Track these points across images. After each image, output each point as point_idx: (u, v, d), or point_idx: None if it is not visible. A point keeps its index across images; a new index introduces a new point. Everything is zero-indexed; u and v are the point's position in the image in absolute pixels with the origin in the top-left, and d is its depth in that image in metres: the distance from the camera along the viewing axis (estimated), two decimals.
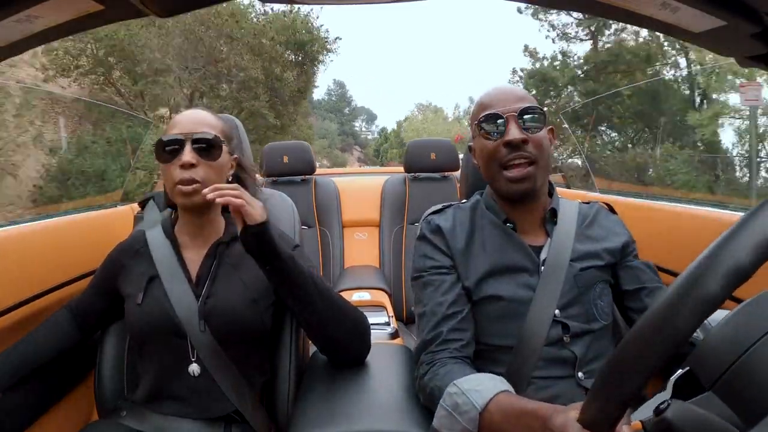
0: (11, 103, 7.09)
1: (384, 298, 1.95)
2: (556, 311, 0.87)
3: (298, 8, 10.39)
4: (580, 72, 14.16)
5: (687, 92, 9.31)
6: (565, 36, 14.61)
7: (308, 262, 0.99)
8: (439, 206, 1.04)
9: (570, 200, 1.01)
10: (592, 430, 0.48)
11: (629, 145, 11.62)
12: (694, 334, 0.39)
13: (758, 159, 7.34)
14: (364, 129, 59.76)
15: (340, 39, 11.50)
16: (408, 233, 2.42)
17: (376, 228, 2.52)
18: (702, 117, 8.52)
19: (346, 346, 0.98)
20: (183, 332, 0.92)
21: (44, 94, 7.70)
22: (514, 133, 0.89)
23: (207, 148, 0.94)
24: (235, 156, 1.02)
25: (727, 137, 8.19)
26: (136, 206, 1.53)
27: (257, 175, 1.13)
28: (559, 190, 1.02)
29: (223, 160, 0.97)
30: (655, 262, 0.98)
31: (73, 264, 1.26)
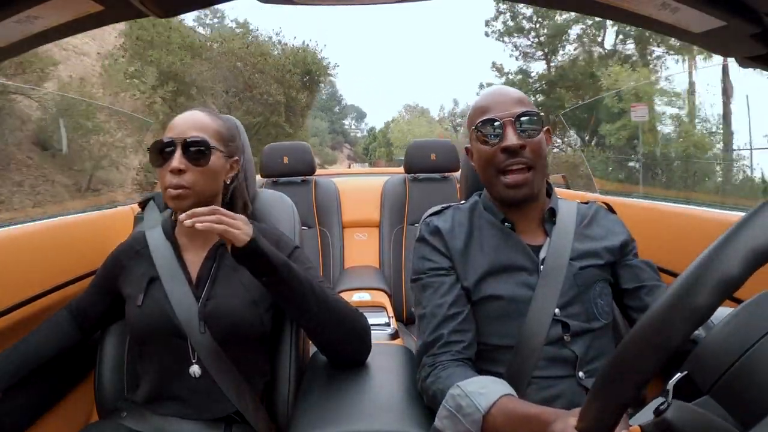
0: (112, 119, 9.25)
1: (384, 299, 1.95)
2: (556, 310, 0.87)
3: (309, 45, 14.38)
4: (537, 86, 17.76)
5: (613, 109, 12.20)
6: (525, 55, 17.63)
7: (308, 263, 0.99)
8: (438, 207, 1.04)
9: (569, 200, 1.01)
10: None
11: (569, 148, 15.36)
12: (696, 331, 0.39)
13: (643, 159, 11.02)
14: (353, 127, 60.88)
15: (338, 65, 15.27)
16: (408, 234, 2.42)
17: (376, 228, 2.52)
18: (611, 128, 12.14)
19: (345, 348, 0.98)
20: (183, 334, 0.92)
21: (118, 113, 9.97)
22: (511, 138, 0.88)
23: (197, 153, 0.93)
24: (236, 158, 1.02)
25: (626, 143, 12.05)
26: (136, 207, 1.53)
27: (257, 176, 1.13)
28: (558, 190, 1.02)
29: (216, 164, 0.95)
30: (654, 262, 0.98)
31: (74, 264, 1.26)
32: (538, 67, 18.14)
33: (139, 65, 11.26)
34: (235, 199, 1.05)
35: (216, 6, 0.58)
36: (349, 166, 25.07)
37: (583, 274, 0.90)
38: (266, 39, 14.52)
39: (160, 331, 0.93)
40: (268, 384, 1.03)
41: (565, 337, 0.87)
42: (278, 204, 1.18)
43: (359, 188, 2.70)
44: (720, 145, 11.61)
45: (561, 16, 16.63)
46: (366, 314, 1.00)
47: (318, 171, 2.70)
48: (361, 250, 2.51)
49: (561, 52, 17.46)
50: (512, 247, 0.93)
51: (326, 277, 2.35)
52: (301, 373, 1.05)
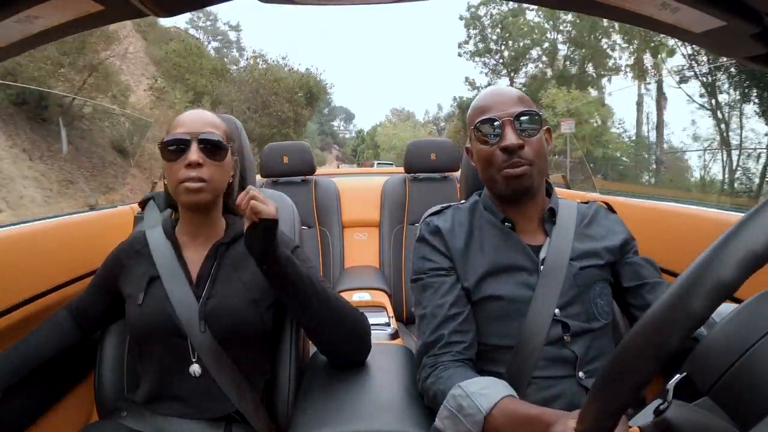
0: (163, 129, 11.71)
1: (384, 299, 1.95)
2: (556, 310, 0.87)
3: (311, 70, 18.48)
4: None
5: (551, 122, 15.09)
6: (494, 72, 21.68)
7: (308, 262, 0.99)
8: (438, 207, 1.04)
9: (569, 200, 1.00)
10: None
11: None
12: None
13: (572, 162, 12.78)
14: (342, 128, 61.85)
15: (334, 85, 19.38)
16: (408, 234, 2.42)
17: (376, 228, 2.52)
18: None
19: (345, 348, 0.98)
20: (183, 333, 0.92)
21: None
22: (510, 138, 0.88)
23: (213, 148, 0.94)
24: (236, 157, 1.03)
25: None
26: (136, 206, 1.53)
27: (257, 176, 1.14)
28: (558, 190, 1.02)
29: (228, 161, 0.97)
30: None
31: (73, 264, 1.26)
32: (504, 83, 21.98)
33: (177, 86, 14.39)
34: (233, 197, 1.05)
35: (214, 6, 0.58)
36: (338, 167, 25.54)
37: (583, 274, 0.90)
38: (276, 62, 18.64)
39: (161, 330, 0.93)
40: (268, 384, 1.03)
41: (565, 338, 0.87)
42: (278, 204, 1.17)
43: (359, 188, 2.70)
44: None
45: (521, 43, 20.07)
46: (366, 314, 1.00)
47: (318, 171, 2.70)
48: (361, 249, 2.51)
49: (523, 70, 21.84)
50: (512, 247, 0.93)
51: (326, 277, 2.35)
52: (301, 372, 1.05)
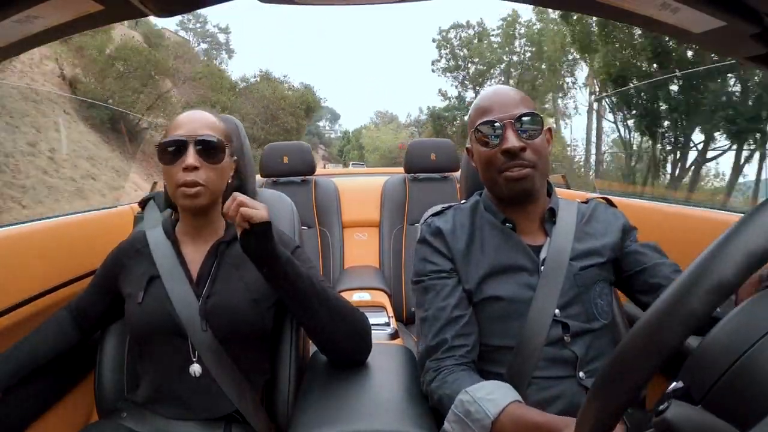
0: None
1: (384, 299, 1.95)
2: (556, 311, 0.87)
3: (310, 85, 21.81)
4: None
5: None
6: (462, 84, 25.16)
7: (308, 262, 0.99)
8: (438, 207, 1.03)
9: (569, 200, 1.00)
10: None
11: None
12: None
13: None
14: (327, 128, 62.66)
15: (326, 99, 22.18)
16: (408, 234, 2.42)
17: (376, 228, 2.52)
18: None
19: (345, 347, 0.98)
20: (184, 332, 0.92)
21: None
22: (512, 140, 0.87)
23: (210, 150, 0.93)
24: (235, 158, 1.02)
25: None
26: (136, 206, 1.53)
27: (257, 176, 1.14)
28: (558, 190, 1.02)
29: (226, 163, 0.97)
30: None
31: (73, 264, 1.26)
32: (471, 95, 25.32)
33: (204, 103, 16.64)
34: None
35: (214, 6, 0.58)
36: (324, 167, 26.25)
37: (583, 275, 0.90)
38: (280, 80, 22.82)
39: (161, 329, 0.93)
40: (268, 383, 1.03)
41: (565, 338, 0.87)
42: (278, 204, 1.18)
43: (359, 188, 2.70)
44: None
45: (484, 63, 24.23)
46: (366, 314, 1.00)
47: (318, 171, 2.70)
48: (361, 249, 2.51)
49: (487, 84, 24.40)
50: (513, 248, 0.93)
51: (326, 277, 2.34)
52: (301, 372, 1.05)
